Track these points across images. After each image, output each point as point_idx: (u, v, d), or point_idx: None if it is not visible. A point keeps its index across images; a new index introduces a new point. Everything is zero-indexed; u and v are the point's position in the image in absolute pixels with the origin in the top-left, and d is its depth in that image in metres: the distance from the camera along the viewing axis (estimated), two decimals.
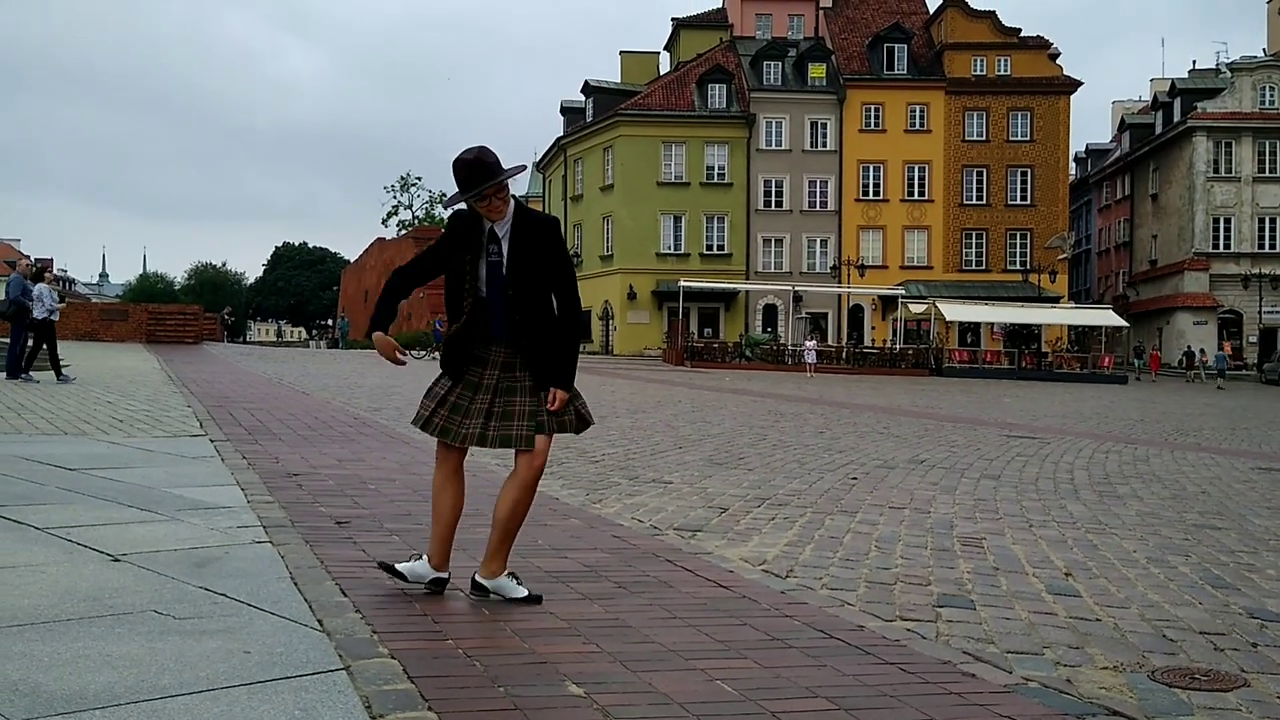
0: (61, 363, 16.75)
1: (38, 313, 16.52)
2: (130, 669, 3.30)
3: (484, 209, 4.22)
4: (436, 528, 4.42)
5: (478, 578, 4.43)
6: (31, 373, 16.40)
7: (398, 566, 4.42)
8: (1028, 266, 53.20)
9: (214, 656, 3.45)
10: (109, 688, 3.13)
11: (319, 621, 3.89)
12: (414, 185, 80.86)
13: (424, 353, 37.92)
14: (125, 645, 3.53)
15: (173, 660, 3.39)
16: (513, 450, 4.39)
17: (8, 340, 17.43)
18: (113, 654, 3.44)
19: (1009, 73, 56.03)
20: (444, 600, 4.30)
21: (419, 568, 4.42)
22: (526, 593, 4.38)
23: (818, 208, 55.34)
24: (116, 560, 4.76)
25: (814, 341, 43.90)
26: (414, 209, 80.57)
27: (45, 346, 16.71)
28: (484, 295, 4.30)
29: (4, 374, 16.50)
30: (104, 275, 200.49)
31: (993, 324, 52.55)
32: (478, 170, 4.15)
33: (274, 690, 3.18)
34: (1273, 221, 56.73)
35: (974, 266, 55.84)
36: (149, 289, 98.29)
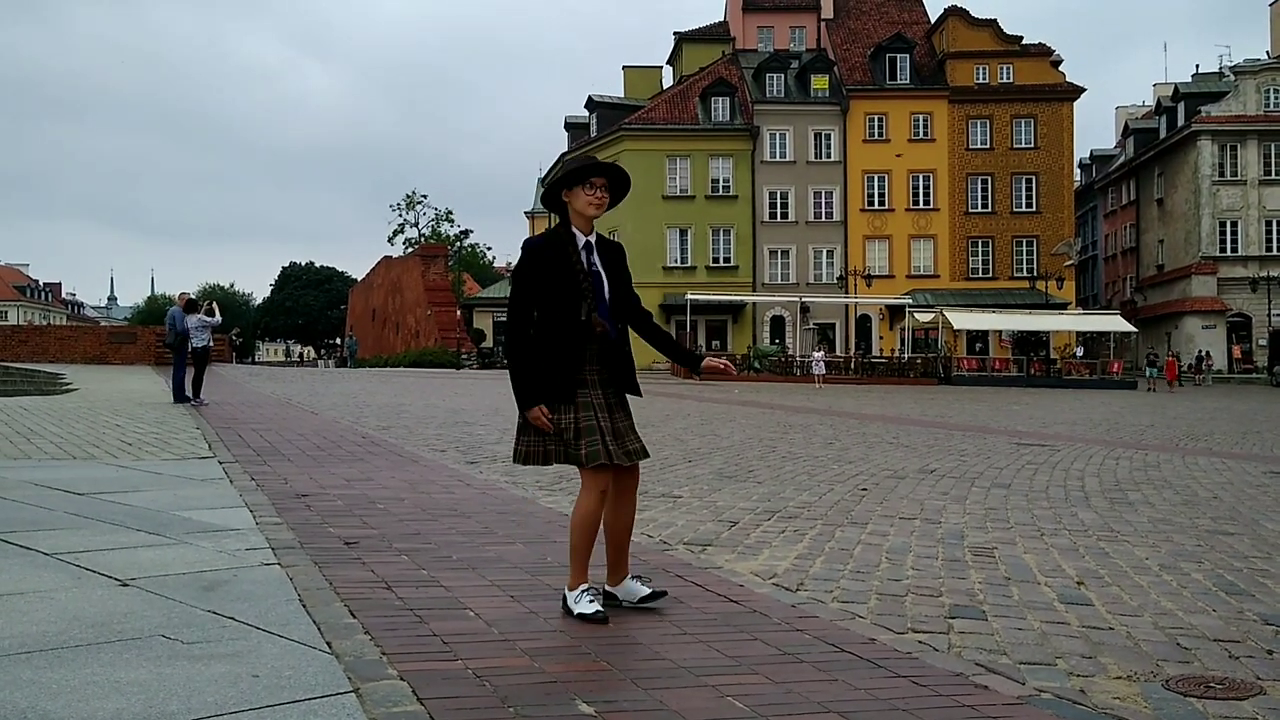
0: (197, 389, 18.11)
1: (195, 342, 18.24)
2: (138, 695, 3.29)
3: (590, 199, 4.39)
4: (576, 549, 4.41)
5: (608, 588, 4.60)
6: (202, 396, 17.66)
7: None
8: (1034, 273, 53.14)
9: (222, 681, 3.43)
10: (117, 714, 3.12)
11: (328, 643, 3.87)
12: (420, 203, 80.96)
13: None
14: (133, 671, 3.52)
15: (181, 685, 3.38)
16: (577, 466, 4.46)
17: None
18: (121, 680, 3.43)
19: (1011, 80, 56.12)
20: (454, 621, 4.28)
21: (633, 586, 4.57)
22: (650, 590, 4.60)
23: (823, 218, 55.40)
24: (125, 585, 4.75)
25: (822, 352, 43.89)
26: (420, 227, 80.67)
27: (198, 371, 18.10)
28: (597, 303, 4.40)
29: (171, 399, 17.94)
30: (112, 298, 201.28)
31: (1000, 331, 52.51)
32: (592, 160, 4.46)
33: (283, 714, 3.16)
34: None
35: (980, 274, 55.82)
36: (158, 311, 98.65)
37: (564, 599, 4.46)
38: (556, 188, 4.47)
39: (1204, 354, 52.37)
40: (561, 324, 4.33)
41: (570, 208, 4.46)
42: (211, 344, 19.17)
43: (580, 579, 4.42)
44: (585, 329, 4.35)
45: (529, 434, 4.40)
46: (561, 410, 4.34)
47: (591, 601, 4.38)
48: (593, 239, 4.46)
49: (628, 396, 4.57)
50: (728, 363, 4.79)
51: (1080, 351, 50.91)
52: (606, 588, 4.62)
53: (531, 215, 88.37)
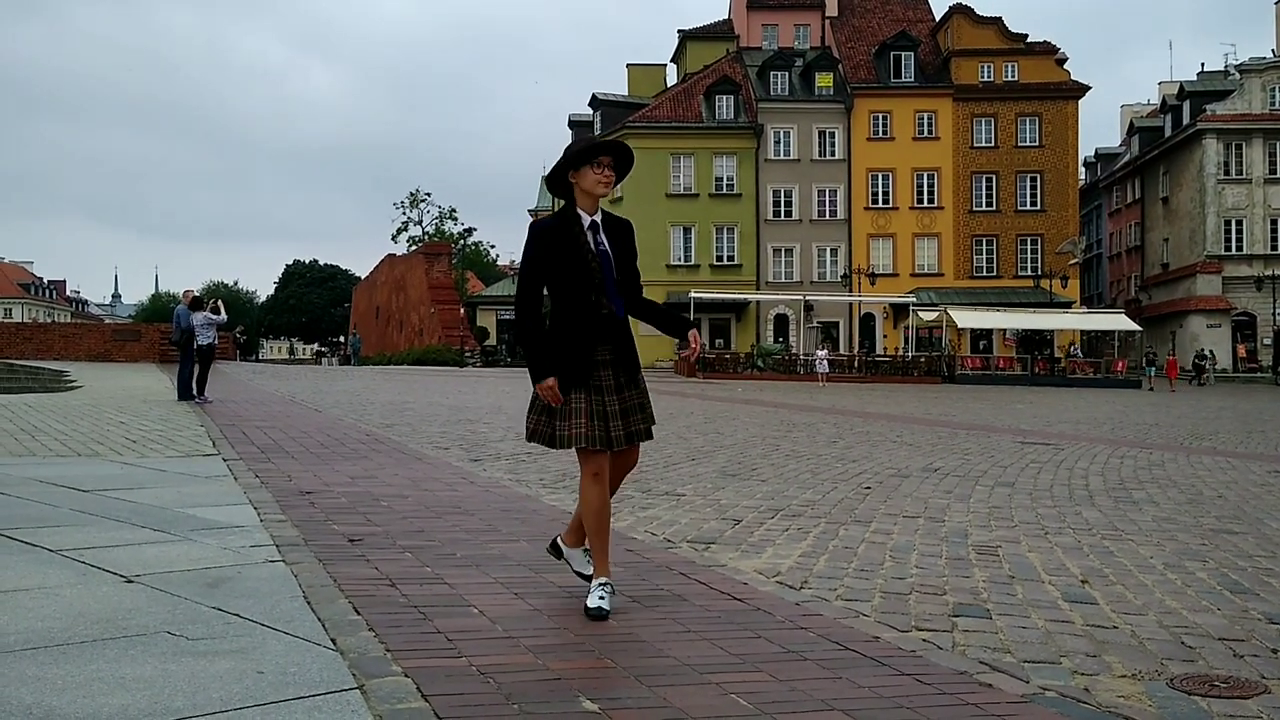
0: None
1: (201, 339, 18.28)
2: (143, 691, 3.29)
3: (598, 178, 4.45)
4: (592, 536, 4.53)
5: (561, 540, 4.84)
6: (206, 394, 17.82)
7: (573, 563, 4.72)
8: (1039, 272, 53.10)
9: (227, 677, 3.44)
10: (122, 710, 3.13)
11: (332, 640, 3.88)
12: (423, 201, 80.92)
13: None
14: (138, 667, 3.53)
15: (186, 682, 3.39)
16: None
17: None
18: (126, 676, 3.43)
19: (1016, 78, 56.05)
20: (457, 618, 4.29)
21: (579, 556, 4.77)
22: (588, 574, 4.68)
23: (827, 217, 55.36)
24: (130, 581, 4.76)
25: (825, 351, 43.85)
26: (423, 225, 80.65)
27: (199, 369, 18.19)
28: (603, 284, 4.46)
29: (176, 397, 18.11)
30: (117, 296, 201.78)
31: (1005, 330, 52.44)
32: (594, 140, 4.57)
33: (287, 710, 3.17)
34: None
35: (985, 273, 55.77)
36: (161, 309, 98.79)
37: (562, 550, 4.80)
38: (563, 170, 4.54)
39: (1206, 352, 52.03)
40: (573, 306, 4.43)
41: (577, 188, 4.52)
42: (216, 342, 19.19)
43: (601, 570, 4.50)
44: (595, 310, 4.44)
45: (537, 411, 4.50)
46: (573, 392, 4.40)
47: (602, 598, 4.42)
48: (598, 218, 4.52)
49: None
50: (697, 341, 4.72)
51: (1073, 350, 50.70)
52: (560, 539, 4.85)
53: (535, 213, 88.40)
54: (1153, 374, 43.59)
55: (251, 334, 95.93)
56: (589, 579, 4.62)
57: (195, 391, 17.63)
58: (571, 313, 4.42)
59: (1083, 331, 53.35)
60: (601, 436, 4.40)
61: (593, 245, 4.45)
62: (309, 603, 4.41)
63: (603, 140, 4.57)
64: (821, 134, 55.38)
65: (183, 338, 18.32)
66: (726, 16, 65.63)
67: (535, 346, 4.42)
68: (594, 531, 4.49)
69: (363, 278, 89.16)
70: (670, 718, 3.25)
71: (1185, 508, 8.63)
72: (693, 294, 48.10)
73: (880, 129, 55.52)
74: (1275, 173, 56.53)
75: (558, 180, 4.56)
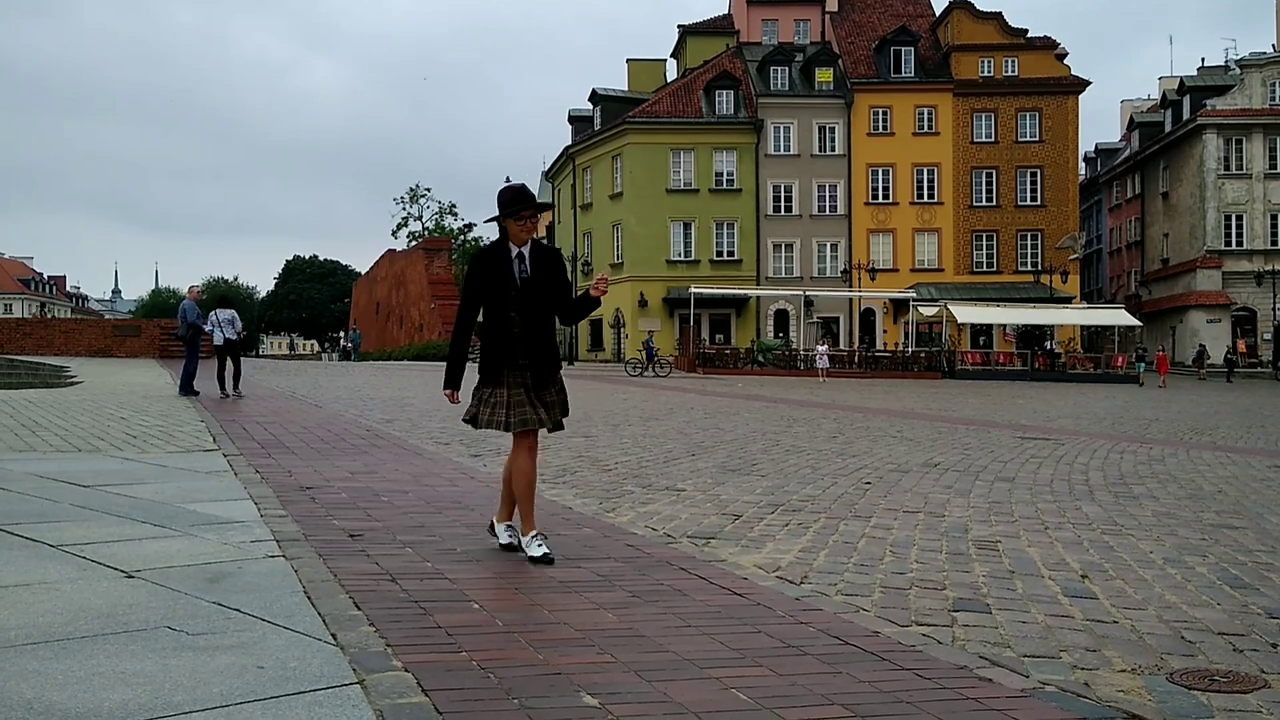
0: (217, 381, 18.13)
1: (227, 334, 18.27)
2: (144, 686, 3.30)
3: (520, 228, 5.30)
4: (524, 500, 5.40)
5: (506, 524, 5.62)
6: (229, 390, 17.74)
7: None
8: (1039, 267, 53.06)
9: (227, 672, 3.45)
10: (123, 705, 3.13)
11: (332, 635, 3.88)
12: (423, 197, 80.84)
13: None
14: (139, 662, 3.53)
15: (186, 677, 3.39)
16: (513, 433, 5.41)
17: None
18: (126, 671, 3.44)
19: (1016, 73, 55.96)
20: (458, 612, 4.29)
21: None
22: (536, 551, 5.36)
23: (827, 212, 55.30)
24: (130, 577, 4.76)
25: (826, 346, 43.82)
26: (423, 220, 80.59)
27: (228, 364, 18.14)
28: (521, 305, 5.30)
29: (179, 391, 17.92)
30: (116, 291, 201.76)
31: (1005, 325, 52.40)
32: (524, 195, 5.34)
33: (288, 705, 3.17)
34: None
35: (985, 268, 55.73)
36: (161, 305, 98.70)
37: (495, 529, 5.59)
38: (497, 215, 5.36)
39: (1226, 348, 51.39)
40: (496, 321, 5.33)
41: (509, 227, 5.34)
42: (237, 338, 19.07)
43: (531, 525, 5.38)
44: (512, 325, 5.29)
45: (475, 401, 5.37)
46: (491, 388, 5.32)
47: (541, 545, 5.31)
48: (526, 250, 5.37)
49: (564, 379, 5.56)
50: (601, 279, 5.37)
51: (1051, 344, 50.50)
52: (504, 522, 5.60)
53: None
54: (1143, 369, 43.51)
55: (252, 330, 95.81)
56: (510, 547, 5.49)
57: (231, 387, 17.68)
58: (494, 326, 5.32)
59: (1083, 327, 53.26)
60: (516, 421, 5.26)
61: (516, 272, 5.32)
62: (309, 598, 4.41)
63: (528, 203, 5.29)
64: (822, 129, 55.32)
65: (188, 333, 18.19)
66: (727, 12, 65.53)
67: (452, 360, 5.48)
68: (523, 497, 5.38)
69: (363, 273, 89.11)
70: (670, 712, 3.25)
71: (1185, 503, 8.63)
72: (693, 289, 48.06)
73: (880, 124, 55.46)
74: (1275, 168, 56.48)
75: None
